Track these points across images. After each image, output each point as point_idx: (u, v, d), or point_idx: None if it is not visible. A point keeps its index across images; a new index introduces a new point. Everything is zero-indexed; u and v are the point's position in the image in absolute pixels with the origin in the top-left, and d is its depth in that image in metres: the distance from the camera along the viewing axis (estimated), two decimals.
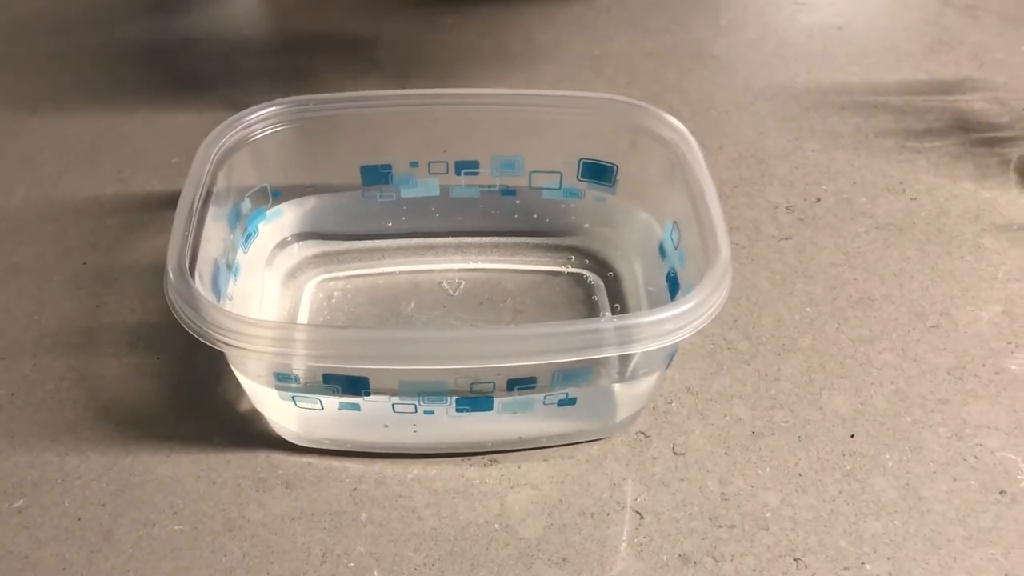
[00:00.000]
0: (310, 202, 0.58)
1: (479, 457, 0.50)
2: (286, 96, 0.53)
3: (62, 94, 0.76)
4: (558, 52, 0.81)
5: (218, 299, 0.48)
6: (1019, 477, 0.49)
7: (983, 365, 0.55)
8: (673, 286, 0.51)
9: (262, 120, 0.52)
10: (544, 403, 0.47)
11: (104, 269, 0.60)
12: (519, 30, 0.83)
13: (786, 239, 0.63)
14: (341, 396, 0.45)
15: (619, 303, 0.57)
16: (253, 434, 0.51)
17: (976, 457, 0.50)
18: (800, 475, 0.49)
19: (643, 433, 0.51)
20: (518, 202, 0.59)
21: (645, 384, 0.49)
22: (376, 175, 0.56)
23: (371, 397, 0.45)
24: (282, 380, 0.45)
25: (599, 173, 0.56)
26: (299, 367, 0.43)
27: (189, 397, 0.53)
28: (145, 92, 0.76)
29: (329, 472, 0.49)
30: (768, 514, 0.48)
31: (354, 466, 0.49)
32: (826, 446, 0.51)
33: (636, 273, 0.57)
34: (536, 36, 0.83)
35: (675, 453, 0.50)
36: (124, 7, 0.89)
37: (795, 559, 0.46)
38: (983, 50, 0.83)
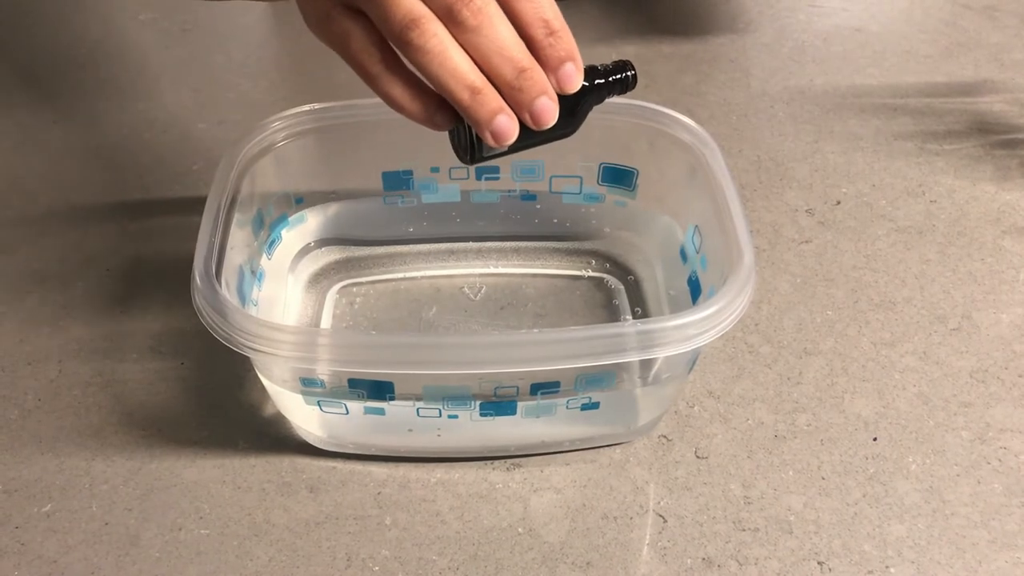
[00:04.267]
0: (332, 208, 0.58)
1: (502, 461, 0.50)
2: (308, 103, 0.53)
3: (85, 101, 0.77)
4: None
5: (243, 305, 0.48)
6: None
7: (1005, 368, 0.55)
8: (695, 290, 0.51)
9: (285, 127, 0.52)
10: (567, 407, 0.47)
11: (127, 275, 0.61)
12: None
13: (806, 242, 0.63)
14: (366, 401, 0.46)
15: (640, 307, 0.57)
16: (277, 438, 0.51)
17: (1000, 460, 0.50)
18: (823, 478, 0.49)
19: (665, 437, 0.51)
20: (539, 207, 0.59)
21: (667, 388, 0.49)
22: (397, 181, 0.57)
23: (396, 402, 0.45)
24: (307, 385, 0.45)
25: (619, 177, 0.56)
26: (325, 372, 0.44)
27: (213, 402, 0.53)
28: (167, 99, 0.77)
29: (353, 476, 0.49)
30: (792, 518, 0.48)
31: (378, 470, 0.50)
32: (849, 449, 0.51)
33: (657, 277, 0.58)
34: None
35: (698, 457, 0.50)
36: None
37: (819, 563, 0.46)
38: (1002, 51, 0.83)
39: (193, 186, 0.67)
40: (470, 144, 0.41)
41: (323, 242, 0.59)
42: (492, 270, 0.60)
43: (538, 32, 0.38)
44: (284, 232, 0.56)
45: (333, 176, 0.57)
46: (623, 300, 0.58)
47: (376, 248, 0.60)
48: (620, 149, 0.55)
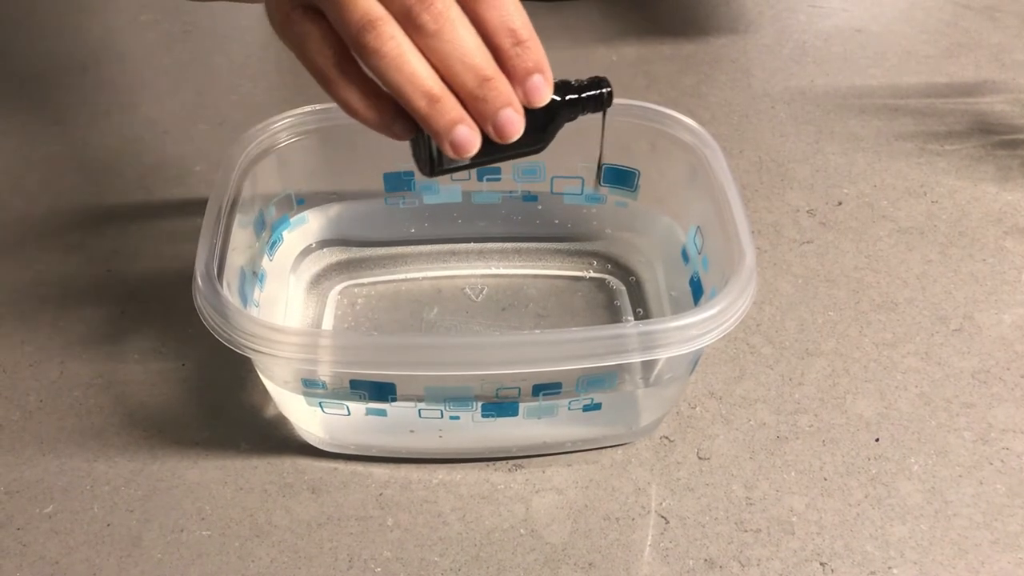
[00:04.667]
0: (334, 209, 0.58)
1: (504, 462, 0.50)
2: (309, 104, 0.53)
3: (85, 103, 0.77)
4: (575, 57, 0.81)
5: (244, 306, 0.48)
6: None
7: (1008, 368, 0.55)
8: (696, 291, 0.51)
9: (286, 128, 0.52)
10: (569, 408, 0.47)
11: (128, 276, 0.61)
12: (538, 37, 0.83)
13: (808, 243, 0.63)
14: (368, 402, 0.46)
15: (641, 308, 0.57)
16: (279, 440, 0.51)
17: (1002, 461, 0.50)
18: (825, 479, 0.49)
19: (667, 438, 0.51)
20: (540, 207, 0.59)
21: (669, 389, 0.49)
22: (399, 182, 0.57)
23: (397, 403, 0.45)
24: (309, 386, 0.45)
25: (621, 178, 0.56)
26: (326, 373, 0.44)
27: (214, 403, 0.53)
28: (168, 100, 0.77)
29: (355, 477, 0.49)
30: (794, 518, 0.48)
31: (380, 471, 0.50)
32: (851, 450, 0.51)
33: (658, 278, 0.58)
34: (553, 42, 0.83)
35: (700, 458, 0.50)
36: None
37: (821, 563, 0.46)
38: (1003, 52, 0.83)
39: (194, 187, 0.67)
40: (430, 155, 0.39)
41: (325, 243, 0.59)
42: (493, 271, 0.60)
43: (504, 41, 0.36)
44: (285, 233, 0.56)
45: (335, 177, 0.57)
46: (625, 301, 0.58)
47: (377, 249, 0.60)
48: (621, 150, 0.55)
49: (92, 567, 0.46)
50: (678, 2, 0.90)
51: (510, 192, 0.58)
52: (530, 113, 0.38)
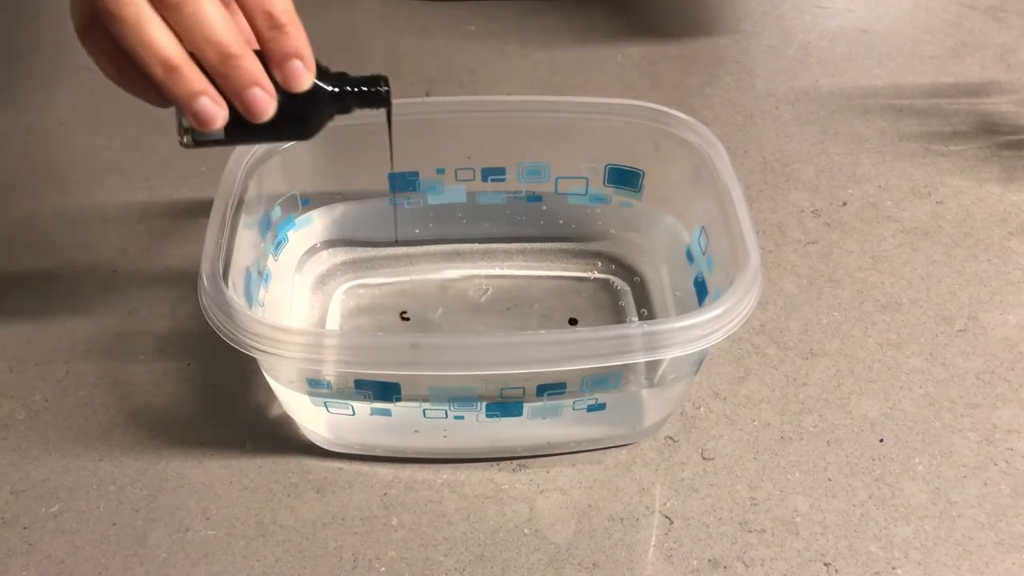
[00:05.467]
0: (339, 209, 0.58)
1: (508, 462, 0.50)
2: None
3: (91, 102, 0.77)
4: (580, 58, 0.81)
5: (250, 306, 0.48)
6: None
7: (1012, 369, 0.55)
8: (701, 291, 0.51)
9: None
10: (573, 408, 0.47)
11: (134, 277, 0.61)
12: (541, 37, 0.83)
13: (812, 243, 0.63)
14: (373, 402, 0.46)
15: (646, 308, 0.57)
16: (284, 439, 0.51)
17: (1007, 462, 0.50)
18: (830, 480, 0.49)
19: (671, 438, 0.51)
20: (544, 208, 0.59)
21: (674, 389, 0.49)
22: (403, 182, 0.57)
23: (402, 403, 0.45)
24: (314, 386, 0.45)
25: (625, 178, 0.56)
26: (331, 373, 0.44)
27: (219, 402, 0.53)
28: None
29: (360, 477, 0.50)
30: (798, 519, 0.48)
31: (384, 471, 0.50)
32: (855, 450, 0.51)
33: (663, 278, 0.58)
34: (558, 43, 0.83)
35: (704, 458, 0.50)
36: None
37: (825, 564, 0.46)
38: (1008, 52, 0.83)
39: (200, 188, 0.67)
40: (186, 126, 0.39)
41: (329, 243, 0.59)
42: (498, 271, 0.60)
43: (261, 24, 0.37)
44: (291, 233, 0.56)
45: (339, 177, 0.57)
46: (629, 301, 0.58)
47: (382, 249, 0.60)
48: (626, 150, 0.55)
49: (98, 566, 0.46)
50: (682, 2, 0.90)
51: (514, 192, 0.58)
52: (294, 98, 0.38)
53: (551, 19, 0.86)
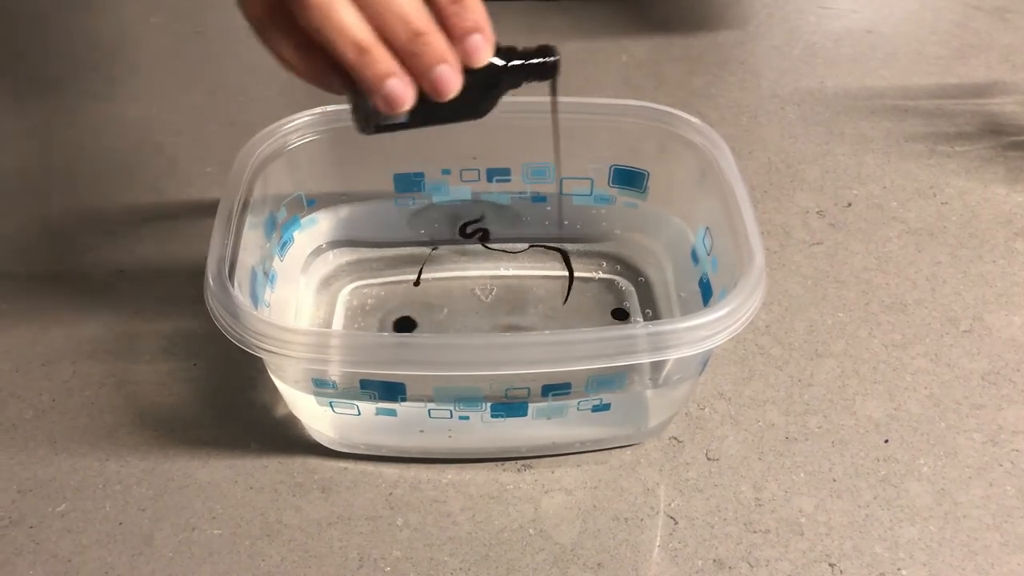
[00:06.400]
0: (344, 210, 0.58)
1: (513, 462, 0.50)
2: (320, 106, 0.54)
3: (97, 104, 0.77)
4: (585, 59, 0.81)
5: (255, 306, 0.48)
6: None
7: (1017, 370, 0.55)
8: (706, 292, 0.51)
9: (297, 130, 0.53)
10: (578, 409, 0.47)
11: (140, 277, 0.61)
12: (546, 37, 0.83)
13: (817, 244, 0.63)
14: (378, 402, 0.46)
15: (650, 309, 0.57)
16: (289, 439, 0.51)
17: (1012, 463, 0.50)
18: (834, 480, 0.49)
19: (676, 439, 0.51)
20: (549, 208, 0.59)
21: (678, 390, 0.49)
22: (409, 183, 0.57)
23: (407, 403, 0.46)
24: (319, 386, 0.45)
25: (630, 179, 0.56)
26: (336, 373, 0.44)
27: (225, 402, 0.53)
28: (180, 101, 0.77)
29: (365, 477, 0.50)
30: (803, 520, 0.48)
31: (390, 471, 0.50)
32: (860, 451, 0.51)
33: (668, 279, 0.58)
34: (563, 43, 0.83)
35: (708, 458, 0.50)
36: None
37: (830, 564, 0.46)
38: (1014, 52, 0.83)
39: (206, 188, 0.68)
40: (367, 112, 0.38)
41: (335, 244, 0.60)
42: (503, 272, 0.60)
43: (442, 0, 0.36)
44: (296, 234, 0.56)
45: (345, 178, 0.57)
46: (634, 302, 0.58)
47: (387, 250, 0.61)
48: (630, 151, 0.55)
49: (104, 565, 0.46)
50: (688, 3, 0.90)
51: (519, 193, 0.58)
52: (471, 75, 0.37)
53: (556, 19, 0.86)
